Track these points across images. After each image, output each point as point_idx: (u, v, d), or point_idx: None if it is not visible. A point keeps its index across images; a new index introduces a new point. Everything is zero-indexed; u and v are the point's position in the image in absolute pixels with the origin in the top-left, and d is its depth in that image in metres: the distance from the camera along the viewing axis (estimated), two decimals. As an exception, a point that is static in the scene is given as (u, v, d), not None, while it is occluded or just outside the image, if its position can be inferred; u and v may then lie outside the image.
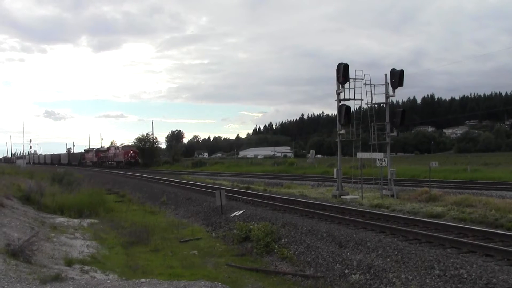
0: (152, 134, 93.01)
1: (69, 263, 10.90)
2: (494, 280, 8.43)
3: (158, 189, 32.75)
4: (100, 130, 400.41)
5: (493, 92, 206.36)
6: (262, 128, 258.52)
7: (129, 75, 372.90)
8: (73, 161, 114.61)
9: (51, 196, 22.28)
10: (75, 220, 18.53)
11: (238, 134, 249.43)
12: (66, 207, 20.36)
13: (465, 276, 8.85)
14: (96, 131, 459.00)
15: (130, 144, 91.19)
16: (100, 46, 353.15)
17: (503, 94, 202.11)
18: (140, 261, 12.49)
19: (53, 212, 20.18)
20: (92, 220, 18.85)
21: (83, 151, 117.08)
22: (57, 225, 16.88)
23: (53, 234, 14.54)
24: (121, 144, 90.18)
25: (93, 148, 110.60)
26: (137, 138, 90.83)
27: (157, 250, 14.01)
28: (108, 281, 8.76)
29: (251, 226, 14.82)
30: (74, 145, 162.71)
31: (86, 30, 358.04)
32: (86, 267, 10.70)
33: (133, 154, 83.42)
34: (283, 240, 13.74)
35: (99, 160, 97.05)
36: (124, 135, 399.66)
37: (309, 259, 11.96)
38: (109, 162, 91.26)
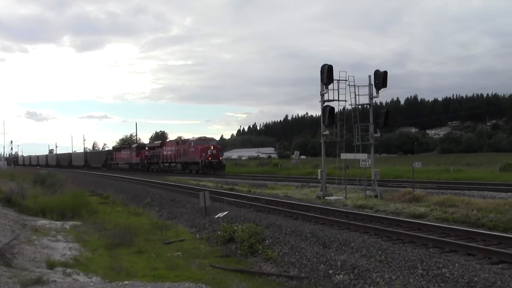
0: (136, 135, 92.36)
1: (51, 266, 10.77)
2: (476, 278, 8.50)
3: (142, 190, 32.57)
4: (83, 131, 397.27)
5: (475, 94, 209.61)
6: (246, 129, 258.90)
7: (112, 75, 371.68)
8: (62, 162, 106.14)
9: (33, 198, 22.06)
10: (58, 223, 18.35)
11: (222, 135, 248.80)
12: (49, 209, 20.15)
13: (448, 275, 8.91)
14: (79, 132, 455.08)
15: (207, 137, 60.06)
16: (83, 46, 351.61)
17: (485, 95, 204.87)
18: (124, 263, 12.39)
19: (35, 214, 19.98)
20: (75, 222, 18.68)
21: (112, 149, 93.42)
22: (39, 227, 16.71)
23: (34, 237, 14.39)
24: (193, 138, 59.31)
25: (131, 145, 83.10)
26: (121, 139, 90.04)
27: (141, 252, 13.91)
28: (91, 284, 8.70)
29: (235, 227, 14.77)
30: (56, 146, 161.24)
31: (69, 30, 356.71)
32: (68, 270, 10.58)
33: (214, 152, 55.39)
34: (267, 241, 13.72)
35: (146, 161, 69.69)
36: (108, 136, 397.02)
37: (293, 260, 11.95)
38: (165, 164, 63.87)
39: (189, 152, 57.13)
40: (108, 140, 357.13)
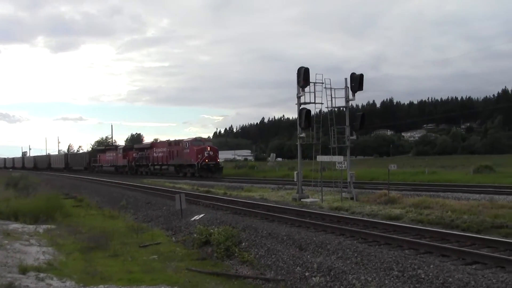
0: (112, 137, 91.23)
1: (24, 270, 10.59)
2: (450, 279, 8.60)
3: (117, 193, 32.29)
4: (58, 133, 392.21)
5: (450, 97, 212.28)
6: (223, 131, 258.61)
7: (88, 77, 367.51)
8: (40, 165, 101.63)
9: (5, 201, 21.71)
10: (31, 226, 18.07)
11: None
12: (21, 213, 19.80)
13: (423, 276, 9.00)
14: (53, 135, 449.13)
15: (203, 138, 59.09)
16: (58, 47, 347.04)
17: (459, 98, 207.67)
18: (99, 266, 12.24)
19: (7, 218, 19.65)
20: (49, 226, 18.42)
21: (95, 150, 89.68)
22: (11, 231, 16.44)
23: (6, 241, 14.15)
24: (188, 138, 55.61)
25: (117, 146, 79.84)
26: (97, 141, 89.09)
27: (116, 255, 13.76)
28: (65, 288, 8.57)
29: (212, 230, 14.72)
30: (30, 149, 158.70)
31: (43, 30, 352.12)
32: (41, 275, 10.41)
33: (211, 153, 52.24)
34: (243, 243, 13.70)
35: (134, 164, 65.71)
36: (83, 139, 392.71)
37: (269, 263, 11.94)
38: (155, 167, 60.44)
39: (183, 154, 53.88)
40: (84, 142, 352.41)
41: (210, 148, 52.42)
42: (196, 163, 50.63)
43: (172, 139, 56.81)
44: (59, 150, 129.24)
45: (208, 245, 14.32)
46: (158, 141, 68.71)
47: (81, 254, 13.89)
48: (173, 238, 16.80)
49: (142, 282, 10.33)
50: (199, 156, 50.76)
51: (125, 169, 67.72)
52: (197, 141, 54.02)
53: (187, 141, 54.36)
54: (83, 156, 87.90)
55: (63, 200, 26.45)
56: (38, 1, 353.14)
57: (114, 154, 72.44)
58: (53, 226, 18.43)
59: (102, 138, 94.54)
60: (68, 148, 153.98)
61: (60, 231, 17.60)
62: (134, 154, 66.06)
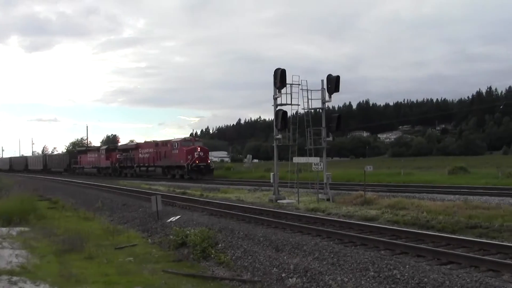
0: (87, 138, 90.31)
1: (-4, 274, 10.45)
2: (426, 279, 8.69)
3: (93, 194, 32.00)
4: (32, 135, 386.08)
5: (425, 99, 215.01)
6: (199, 132, 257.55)
7: (63, 77, 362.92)
8: (16, 167, 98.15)
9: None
10: (3, 229, 17.78)
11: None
12: (-6, 215, 19.54)
13: (398, 277, 9.09)
14: (27, 136, 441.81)
15: (193, 138, 59.00)
16: (32, 47, 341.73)
17: (435, 100, 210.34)
18: (74, 269, 12.09)
19: (-21, 221, 19.34)
20: (22, 228, 18.14)
21: (75, 151, 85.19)
22: (-17, 234, 16.19)
23: (-22, 244, 13.93)
24: (177, 138, 53.15)
25: (100, 147, 77.04)
26: (72, 142, 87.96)
27: (91, 257, 13.61)
28: (39, 291, 8.47)
29: (188, 232, 14.67)
30: (3, 150, 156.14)
31: (17, 29, 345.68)
32: (14, 278, 10.27)
33: (202, 154, 50.49)
34: (220, 245, 13.68)
35: (117, 165, 63.39)
36: (58, 140, 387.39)
37: (246, 264, 11.94)
38: (141, 168, 58.43)
39: (172, 155, 51.94)
40: (58, 144, 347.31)
41: (200, 149, 50.67)
42: (186, 164, 48.93)
43: (149, 139, 56.31)
44: (33, 152, 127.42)
45: (185, 247, 14.27)
46: (144, 141, 65.02)
47: (56, 256, 13.71)
48: (149, 240, 16.71)
49: (118, 285, 10.26)
50: (189, 157, 49.03)
51: (108, 170, 65.32)
52: (187, 141, 52.42)
53: (176, 141, 52.65)
54: (63, 157, 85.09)
55: (38, 202, 26.09)
56: (11, 0, 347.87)
57: (97, 155, 70.02)
58: (27, 229, 18.16)
59: (77, 140, 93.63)
60: (43, 149, 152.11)
61: (34, 233, 17.36)
62: (118, 155, 63.92)
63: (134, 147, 62.43)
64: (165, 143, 54.75)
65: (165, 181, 45.50)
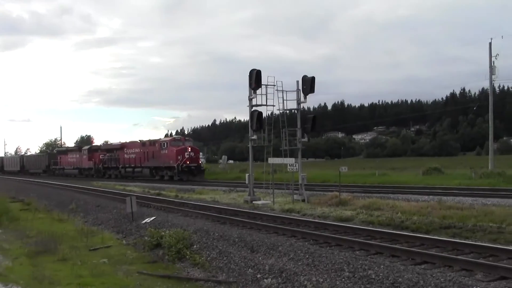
0: (61, 139, 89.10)
1: (-33, 277, 10.32)
2: (400, 279, 8.79)
3: (67, 196, 31.68)
4: (4, 136, 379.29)
5: (399, 100, 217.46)
6: (174, 133, 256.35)
7: (37, 77, 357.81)
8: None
9: None
10: (-25, 231, 17.58)
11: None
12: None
13: (373, 277, 9.18)
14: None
15: (183, 137, 56.03)
16: (5, 46, 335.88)
17: (409, 101, 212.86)
18: (47, 271, 11.99)
19: None
20: (-6, 230, 17.95)
21: (55, 151, 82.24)
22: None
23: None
24: (165, 136, 48.56)
25: (82, 147, 71.94)
26: (45, 143, 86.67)
27: (65, 259, 13.49)
28: (11, 294, 8.40)
29: (163, 233, 14.62)
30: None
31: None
32: (-14, 280, 10.17)
33: (193, 154, 48.63)
34: (195, 246, 13.67)
35: (101, 166, 61.26)
36: (32, 141, 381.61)
37: (221, 265, 11.95)
38: (127, 169, 56.05)
39: (161, 155, 49.66)
40: (32, 145, 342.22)
41: (191, 149, 48.83)
42: (176, 165, 46.99)
43: (130, 139, 54.89)
44: (5, 153, 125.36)
45: (159, 248, 14.23)
46: (130, 141, 61.78)
47: (29, 258, 13.58)
48: (124, 241, 16.61)
49: (92, 287, 10.20)
50: (179, 157, 47.14)
51: (91, 172, 63.00)
52: (177, 141, 50.69)
53: (165, 141, 51.19)
54: (42, 158, 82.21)
55: (10, 204, 25.76)
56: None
57: (78, 155, 67.22)
58: (-1, 231, 17.97)
59: (51, 140, 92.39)
60: (16, 150, 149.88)
61: (6, 235, 17.16)
62: (101, 156, 61.55)
63: (119, 147, 59.71)
64: (153, 142, 52.81)
65: (140, 182, 45.24)
